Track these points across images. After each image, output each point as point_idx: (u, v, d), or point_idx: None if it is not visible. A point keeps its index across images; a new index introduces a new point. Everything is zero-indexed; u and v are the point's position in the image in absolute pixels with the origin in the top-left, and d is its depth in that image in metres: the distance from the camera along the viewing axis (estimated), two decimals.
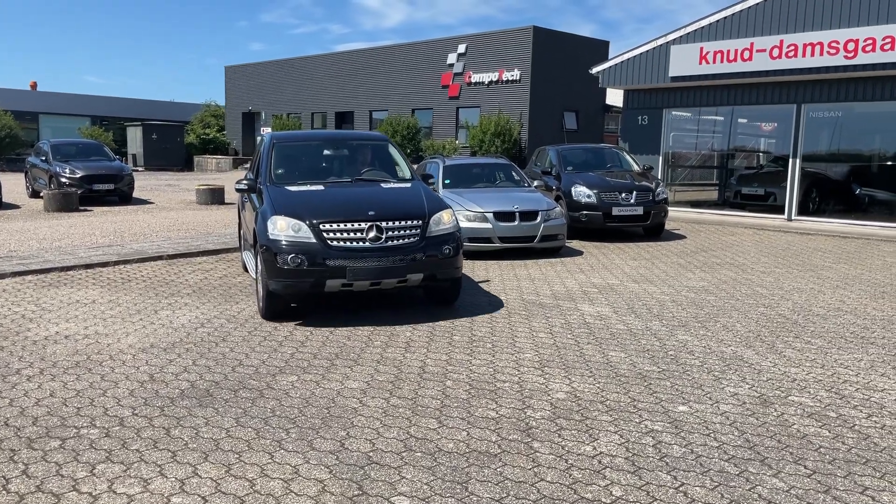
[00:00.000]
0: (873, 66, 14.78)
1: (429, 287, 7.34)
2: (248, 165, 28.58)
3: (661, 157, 19.14)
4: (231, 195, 20.79)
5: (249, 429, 4.33)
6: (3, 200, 17.62)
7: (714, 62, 17.11)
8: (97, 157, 20.24)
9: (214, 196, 18.99)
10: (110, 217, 15.57)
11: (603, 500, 3.52)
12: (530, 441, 4.19)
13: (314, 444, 4.11)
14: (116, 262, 9.88)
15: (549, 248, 11.42)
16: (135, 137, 37.99)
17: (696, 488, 3.64)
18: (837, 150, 17.01)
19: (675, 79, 17.96)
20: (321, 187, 7.52)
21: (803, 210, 16.87)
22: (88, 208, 17.39)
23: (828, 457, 4.02)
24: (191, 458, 3.92)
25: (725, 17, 17.12)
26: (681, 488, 3.64)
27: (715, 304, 7.90)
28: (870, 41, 14.67)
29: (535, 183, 13.65)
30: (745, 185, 18.58)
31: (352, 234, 6.68)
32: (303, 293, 6.80)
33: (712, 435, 4.31)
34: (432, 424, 4.41)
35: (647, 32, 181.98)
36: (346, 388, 5.03)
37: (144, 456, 3.94)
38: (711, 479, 3.74)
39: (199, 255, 10.78)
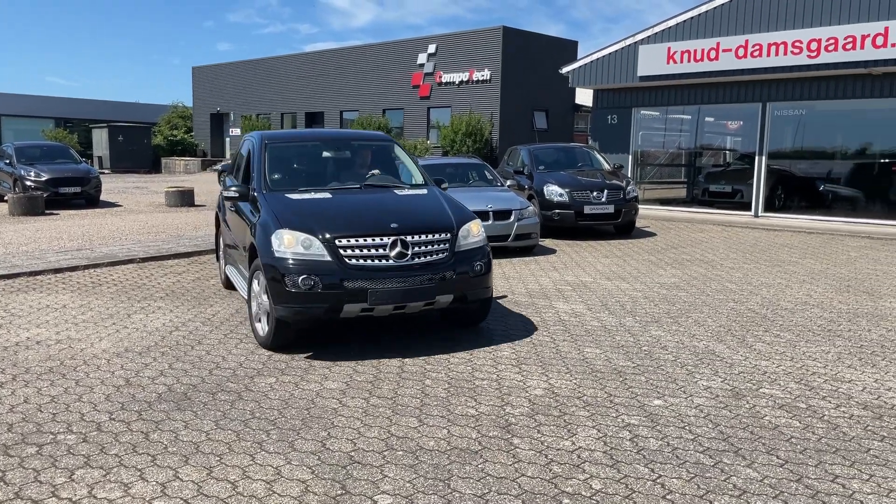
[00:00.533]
0: (835, 66, 15.14)
1: (455, 309, 6.40)
2: (217, 167, 28.26)
3: (630, 156, 19.38)
4: (202, 197, 20.60)
5: (229, 431, 4.32)
6: None
7: (681, 62, 17.38)
8: (63, 159, 19.89)
9: (184, 198, 18.78)
10: (78, 220, 15.33)
11: (583, 493, 3.58)
12: (510, 437, 4.24)
13: (295, 445, 4.12)
14: (86, 266, 9.74)
15: (523, 247, 11.51)
16: (100, 139, 37.41)
17: (673, 480, 3.72)
18: (801, 148, 17.39)
19: (643, 78, 18.19)
20: (328, 195, 6.57)
21: (769, 206, 17.21)
22: (55, 212, 17.09)
23: (799, 447, 4.13)
24: (171, 462, 3.90)
25: (692, 18, 17.40)
26: (658, 480, 3.71)
27: (686, 300, 8.04)
28: (832, 41, 15.03)
29: (508, 182, 13.73)
30: (713, 183, 18.91)
31: (373, 251, 5.76)
32: (316, 320, 5.83)
33: (687, 428, 4.40)
34: (413, 423, 4.44)
35: (615, 32, 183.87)
36: (326, 389, 5.04)
37: (124, 460, 3.92)
38: (688, 470, 3.83)
39: (171, 259, 10.67)
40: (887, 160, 15.81)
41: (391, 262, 5.77)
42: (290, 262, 5.68)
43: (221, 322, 6.92)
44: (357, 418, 4.51)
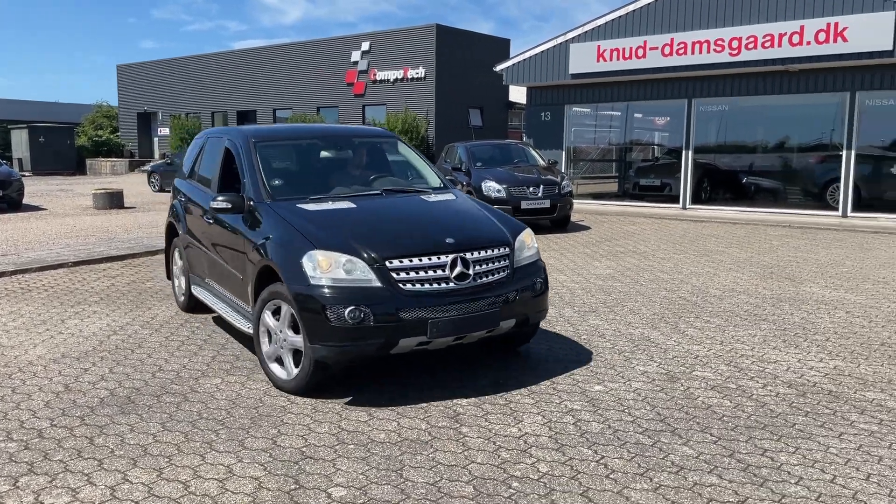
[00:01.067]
0: (755, 63, 15.85)
1: (507, 334, 5.37)
2: (146, 168, 27.37)
3: (564, 152, 19.80)
4: (131, 199, 20.05)
5: (177, 432, 4.29)
6: None
7: (611, 59, 17.87)
8: None
9: (113, 200, 18.23)
10: (0, 225, 14.72)
11: (531, 476, 3.72)
12: (459, 427, 4.35)
13: (245, 444, 4.13)
14: (14, 272, 9.40)
15: None
16: (20, 140, 35.91)
17: (616, 460, 3.90)
18: (725, 142, 18.11)
19: (575, 76, 18.62)
20: (350, 204, 5.51)
21: (696, 199, 17.87)
22: None
23: (730, 424, 4.38)
24: (119, 465, 3.86)
25: (620, 17, 17.89)
26: (601, 461, 3.88)
27: (621, 290, 8.32)
28: (752, 39, 15.73)
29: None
30: (643, 177, 19.51)
31: (430, 273, 4.81)
32: (364, 358, 4.94)
33: (626, 411, 4.60)
34: (363, 417, 4.50)
35: (545, 30, 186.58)
36: (273, 388, 5.04)
37: (69, 466, 3.85)
38: (628, 450, 4.01)
39: (104, 262, 10.39)
40: (805, 152, 16.64)
41: (451, 284, 4.84)
42: (332, 290, 4.65)
43: (161, 325, 6.81)
44: (307, 415, 4.54)
